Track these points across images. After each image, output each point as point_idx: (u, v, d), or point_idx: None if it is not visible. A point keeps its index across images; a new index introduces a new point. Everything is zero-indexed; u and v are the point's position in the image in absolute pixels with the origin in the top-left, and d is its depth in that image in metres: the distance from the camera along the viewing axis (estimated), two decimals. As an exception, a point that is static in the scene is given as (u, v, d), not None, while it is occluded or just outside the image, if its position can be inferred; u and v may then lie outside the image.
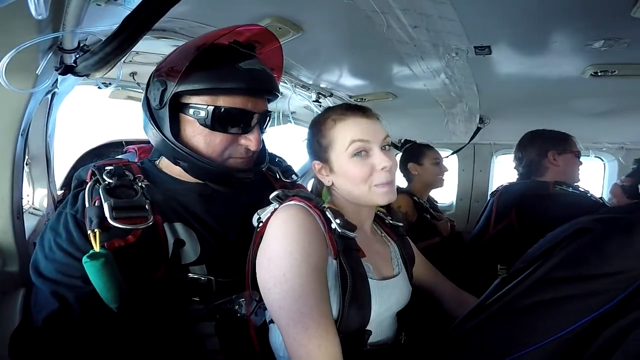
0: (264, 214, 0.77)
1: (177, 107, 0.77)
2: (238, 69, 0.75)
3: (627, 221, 0.61)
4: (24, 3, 0.41)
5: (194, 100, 0.76)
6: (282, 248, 0.68)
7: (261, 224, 0.75)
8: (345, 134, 0.80)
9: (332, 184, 0.84)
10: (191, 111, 0.76)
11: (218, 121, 0.76)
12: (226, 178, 0.83)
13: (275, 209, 0.75)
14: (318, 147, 0.84)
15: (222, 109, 0.75)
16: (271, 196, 0.80)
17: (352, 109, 0.84)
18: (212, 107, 0.75)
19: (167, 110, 0.76)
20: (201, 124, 0.77)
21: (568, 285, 0.61)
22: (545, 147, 1.55)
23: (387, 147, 0.81)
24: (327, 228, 0.73)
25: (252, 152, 0.83)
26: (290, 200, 0.77)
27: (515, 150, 1.67)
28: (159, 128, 0.78)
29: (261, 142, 0.83)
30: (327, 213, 0.75)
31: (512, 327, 0.66)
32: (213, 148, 0.79)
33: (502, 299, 0.69)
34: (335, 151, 0.81)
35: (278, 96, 0.86)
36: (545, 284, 0.64)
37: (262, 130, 0.84)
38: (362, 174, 0.78)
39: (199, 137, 0.78)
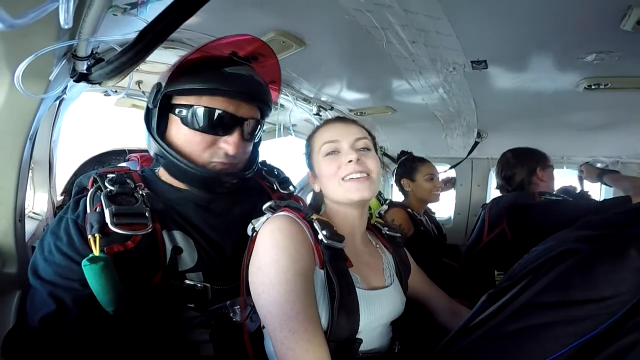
0: (258, 223, 0.79)
1: (169, 108, 0.81)
2: (222, 72, 0.79)
3: (617, 243, 0.59)
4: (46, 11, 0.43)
5: (181, 100, 0.80)
6: (269, 256, 0.71)
7: (255, 233, 0.77)
8: (321, 138, 0.88)
9: (320, 190, 0.90)
10: (177, 111, 0.80)
11: (197, 121, 0.79)
12: (204, 181, 0.83)
13: (269, 218, 0.78)
14: (307, 156, 0.93)
15: (203, 109, 0.78)
16: (264, 207, 0.83)
17: (332, 118, 0.94)
18: (195, 107, 0.78)
19: (156, 109, 0.79)
20: (183, 123, 0.80)
21: (556, 310, 0.60)
22: (532, 165, 1.67)
23: (363, 149, 0.85)
24: (314, 239, 0.76)
25: (234, 157, 0.83)
26: (281, 211, 0.79)
27: (501, 170, 1.76)
28: (148, 127, 0.82)
29: (239, 147, 0.83)
30: (314, 224, 0.77)
31: (497, 352, 0.65)
32: (192, 147, 0.81)
33: (488, 321, 0.69)
34: (315, 155, 0.89)
35: (269, 105, 0.88)
36: (532, 309, 0.63)
37: (246, 137, 0.84)
38: (331, 169, 0.84)
39: (180, 136, 0.81)
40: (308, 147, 0.92)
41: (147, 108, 0.84)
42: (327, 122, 0.91)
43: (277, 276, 0.68)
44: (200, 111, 0.78)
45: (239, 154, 0.84)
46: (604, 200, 1.66)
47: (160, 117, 0.81)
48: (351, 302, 0.73)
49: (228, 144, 0.81)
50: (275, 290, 0.68)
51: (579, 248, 0.63)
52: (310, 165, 0.92)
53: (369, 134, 0.91)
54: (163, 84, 0.79)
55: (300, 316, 0.66)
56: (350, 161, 0.81)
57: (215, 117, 0.79)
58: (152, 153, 0.86)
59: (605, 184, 1.79)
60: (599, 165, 1.89)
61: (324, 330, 0.71)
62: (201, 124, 0.79)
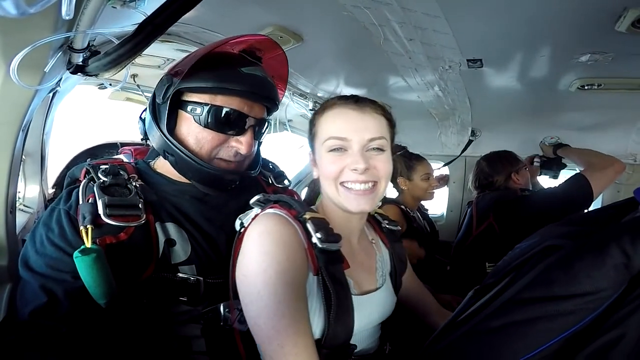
0: (246, 218, 0.77)
1: (178, 104, 0.80)
2: (239, 72, 0.78)
3: (598, 239, 0.59)
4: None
5: (194, 97, 0.79)
6: (257, 264, 0.65)
7: (243, 229, 0.74)
8: (327, 127, 0.77)
9: (318, 177, 0.82)
10: (189, 108, 0.79)
11: (212, 119, 0.78)
12: (211, 178, 0.83)
13: (257, 215, 0.74)
14: (310, 135, 0.84)
15: (218, 108, 0.78)
16: (252, 201, 0.80)
17: (346, 98, 0.79)
18: (209, 106, 0.78)
19: (167, 104, 0.78)
20: (196, 121, 0.79)
21: (538, 305, 0.60)
22: (507, 171, 1.80)
23: (377, 148, 0.74)
24: (308, 242, 0.70)
25: (242, 157, 0.84)
26: (270, 208, 0.75)
27: (477, 178, 1.91)
28: (157, 122, 0.80)
29: (252, 147, 0.83)
30: (307, 225, 0.71)
31: (482, 347, 0.65)
32: (202, 145, 0.80)
33: (473, 317, 0.69)
34: (318, 142, 0.79)
35: (277, 106, 0.88)
36: (516, 305, 0.63)
37: (256, 137, 0.85)
38: (332, 170, 0.74)
39: (191, 133, 0.80)
40: (313, 127, 0.81)
41: (154, 102, 0.82)
42: (341, 102, 0.77)
43: (264, 287, 0.64)
44: (215, 110, 0.78)
45: (249, 153, 0.84)
46: (561, 184, 1.70)
47: (169, 113, 0.79)
48: (347, 309, 0.70)
49: (240, 144, 0.82)
50: (263, 303, 0.63)
51: (561, 244, 0.64)
52: (312, 148, 0.82)
53: (389, 121, 0.79)
54: (174, 80, 0.77)
55: (290, 330, 0.63)
56: (354, 169, 0.72)
57: (230, 116, 0.79)
58: (156, 147, 0.84)
59: (560, 157, 1.98)
60: (552, 140, 2.03)
61: (318, 337, 0.69)
62: (216, 123, 0.79)
